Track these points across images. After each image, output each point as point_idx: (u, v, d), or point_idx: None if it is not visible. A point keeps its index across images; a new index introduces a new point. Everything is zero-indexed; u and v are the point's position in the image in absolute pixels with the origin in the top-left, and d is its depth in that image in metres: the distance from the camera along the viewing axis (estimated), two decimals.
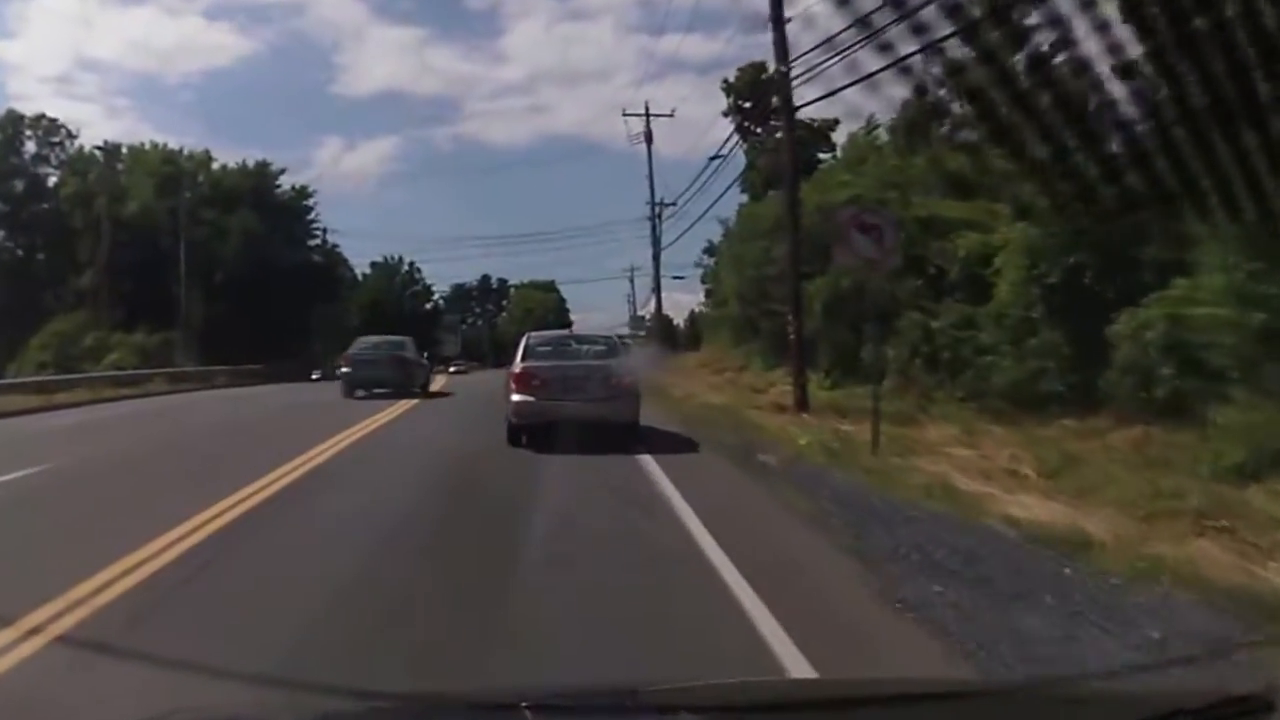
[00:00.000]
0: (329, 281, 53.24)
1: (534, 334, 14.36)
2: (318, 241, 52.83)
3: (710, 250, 48.09)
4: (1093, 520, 7.08)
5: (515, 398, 12.11)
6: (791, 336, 17.06)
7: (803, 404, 16.50)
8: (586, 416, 11.93)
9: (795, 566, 5.90)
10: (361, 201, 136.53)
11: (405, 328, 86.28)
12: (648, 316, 59.44)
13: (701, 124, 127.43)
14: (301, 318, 46.89)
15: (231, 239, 44.21)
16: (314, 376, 58.68)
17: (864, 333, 19.40)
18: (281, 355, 41.45)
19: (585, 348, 13.65)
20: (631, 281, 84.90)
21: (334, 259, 55.19)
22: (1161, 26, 6.30)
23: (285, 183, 51.27)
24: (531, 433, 11.91)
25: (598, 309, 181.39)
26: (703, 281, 50.41)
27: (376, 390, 22.08)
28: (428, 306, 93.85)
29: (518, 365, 12.57)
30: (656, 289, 45.42)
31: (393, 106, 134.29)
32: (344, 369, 23.33)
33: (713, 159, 37.46)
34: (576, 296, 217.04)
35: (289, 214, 49.38)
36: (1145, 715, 1.76)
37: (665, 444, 12.13)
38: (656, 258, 44.71)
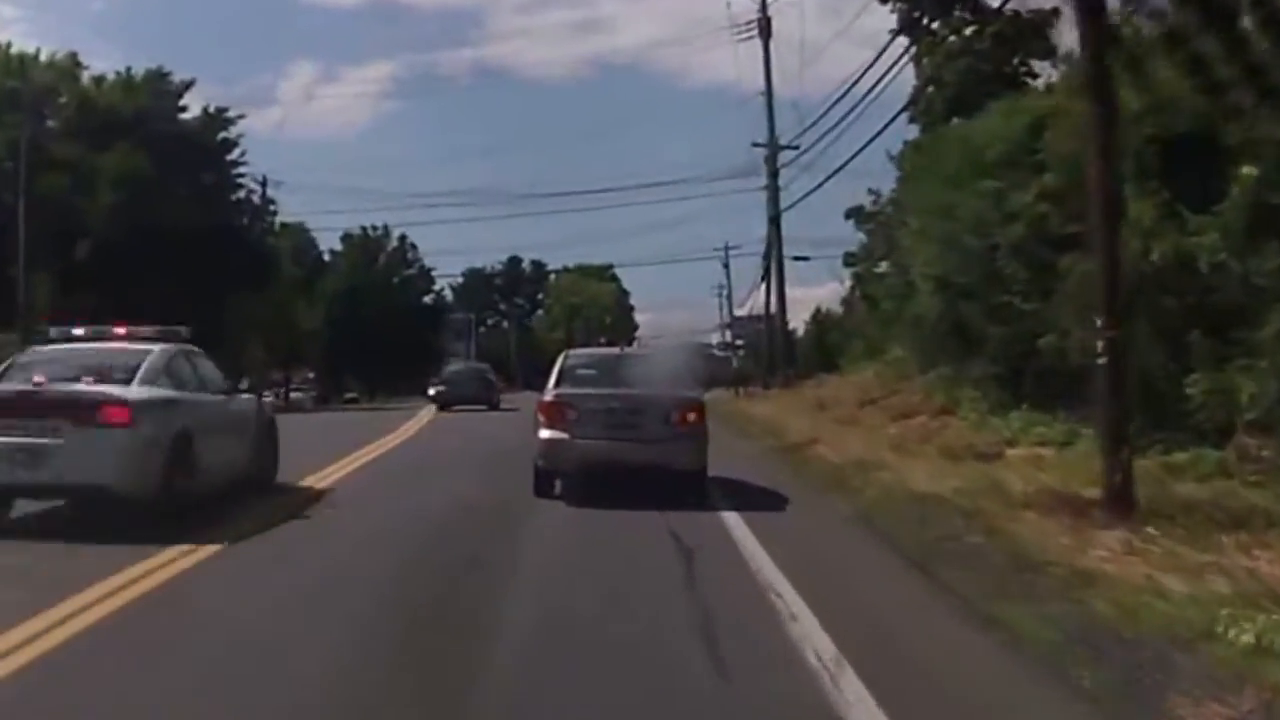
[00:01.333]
0: (261, 257, 52.14)
1: (574, 352, 16.19)
2: (244, 194, 52.79)
3: (858, 215, 44.14)
4: None
5: (544, 434, 13.64)
6: (1101, 357, 12.52)
7: (1124, 497, 11.90)
8: (636, 461, 13.34)
9: None
10: (342, 152, 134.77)
11: (393, 329, 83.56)
12: (756, 315, 55.84)
13: (817, 43, 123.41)
14: (218, 313, 45.32)
15: (104, 190, 42.94)
16: None
17: (1193, 349, 16.25)
18: None
19: (640, 371, 14.76)
20: (726, 266, 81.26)
21: (261, 217, 55.24)
22: None
23: (194, 104, 50.64)
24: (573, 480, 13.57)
25: (675, 305, 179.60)
26: (847, 264, 48.19)
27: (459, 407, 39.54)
28: (427, 299, 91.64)
29: (549, 392, 14.20)
30: (777, 272, 41.57)
31: (388, 20, 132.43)
32: (440, 388, 43.39)
33: (897, 33, 33.36)
34: (644, 287, 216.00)
35: (197, 153, 48.25)
36: None
37: (875, 625, 7.74)
38: (775, 221, 40.80)
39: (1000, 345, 20.90)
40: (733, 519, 11.83)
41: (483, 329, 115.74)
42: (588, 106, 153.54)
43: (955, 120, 29.21)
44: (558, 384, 14.31)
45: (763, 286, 52.81)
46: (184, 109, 49.81)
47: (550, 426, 13.50)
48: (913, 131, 35.21)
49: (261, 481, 13.87)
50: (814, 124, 40.67)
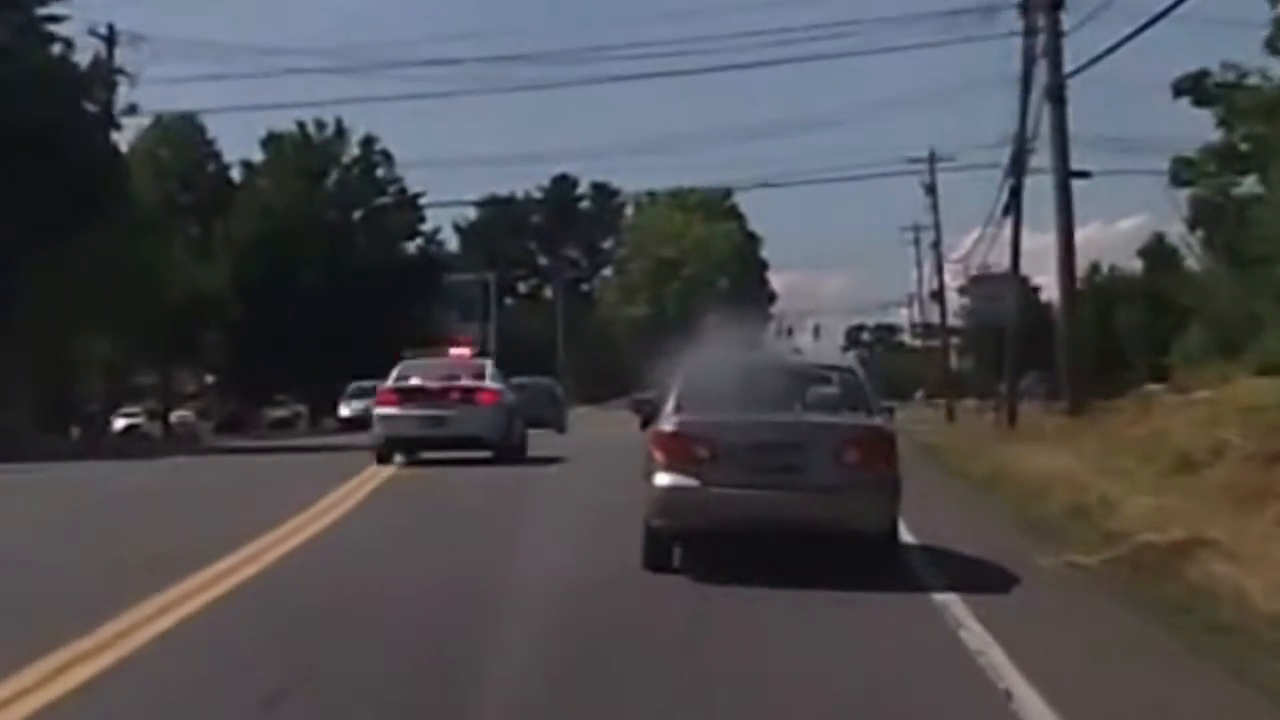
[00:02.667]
0: (97, 167, 51.33)
1: (700, 358, 18.70)
2: (62, 53, 52.44)
3: (1199, 90, 41.73)
4: None
5: (663, 480, 15.62)
6: None
7: None
8: (795, 520, 15.37)
9: None
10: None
11: (353, 299, 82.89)
12: (990, 274, 56.18)
13: None
14: (15, 272, 47.36)
15: None
16: (118, 425, 55.96)
17: None
18: None
19: (799, 386, 17.22)
20: (930, 189, 76.81)
21: (97, 96, 54.99)
22: None
23: None
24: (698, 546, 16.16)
25: (836, 263, 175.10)
26: (1179, 180, 46.73)
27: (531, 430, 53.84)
28: (413, 248, 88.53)
29: (668, 419, 16.40)
30: (1060, 195, 39.90)
31: None
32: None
33: None
34: (785, 230, 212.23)
35: None
36: None
37: None
38: (1057, 96, 38.27)
39: None
40: None
41: (509, 300, 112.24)
42: None
43: None
44: (679, 408, 16.31)
45: (1007, 224, 48.28)
46: None
47: (670, 469, 15.34)
48: None
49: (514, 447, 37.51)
50: None
